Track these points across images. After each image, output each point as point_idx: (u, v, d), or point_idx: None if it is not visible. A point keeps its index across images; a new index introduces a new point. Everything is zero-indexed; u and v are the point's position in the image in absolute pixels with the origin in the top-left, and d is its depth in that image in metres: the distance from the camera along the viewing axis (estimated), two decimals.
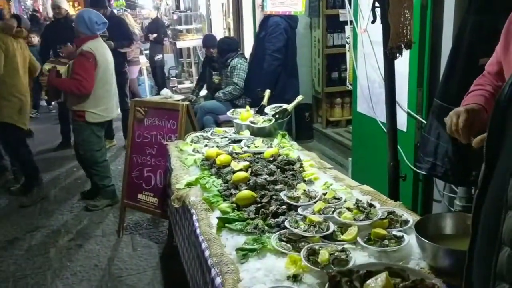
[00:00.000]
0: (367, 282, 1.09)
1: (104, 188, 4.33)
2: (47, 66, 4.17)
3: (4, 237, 3.86)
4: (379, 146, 3.06)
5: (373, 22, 2.24)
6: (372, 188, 2.10)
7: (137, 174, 3.68)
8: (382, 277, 1.08)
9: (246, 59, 5.28)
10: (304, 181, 2.19)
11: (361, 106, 3.49)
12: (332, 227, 1.68)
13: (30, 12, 12.28)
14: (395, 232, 1.63)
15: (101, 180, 4.30)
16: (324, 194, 1.99)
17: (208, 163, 2.49)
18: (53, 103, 8.21)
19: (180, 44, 9.89)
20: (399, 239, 1.57)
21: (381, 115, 3.01)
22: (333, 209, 1.82)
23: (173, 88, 9.06)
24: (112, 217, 4.14)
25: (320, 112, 5.94)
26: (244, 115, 3.04)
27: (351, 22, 3.37)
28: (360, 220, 1.69)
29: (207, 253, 1.67)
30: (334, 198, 1.94)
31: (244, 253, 1.58)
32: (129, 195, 3.72)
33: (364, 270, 1.14)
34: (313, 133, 5.98)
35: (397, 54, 2.16)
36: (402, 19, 2.08)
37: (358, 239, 1.60)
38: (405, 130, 2.93)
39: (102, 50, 4.12)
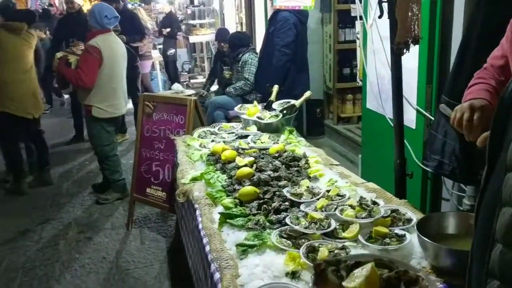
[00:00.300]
0: (353, 271, 1.09)
1: (115, 182, 4.37)
2: (59, 54, 4.23)
3: (16, 228, 3.93)
4: (388, 143, 3.01)
5: (380, 17, 2.20)
6: (380, 185, 2.07)
7: (145, 168, 3.70)
8: (367, 267, 1.08)
9: (257, 54, 5.25)
10: (309, 177, 2.17)
11: (370, 103, 3.45)
12: (334, 224, 1.67)
13: (45, 6, 12.40)
14: (397, 230, 1.61)
15: (112, 175, 4.34)
16: (328, 191, 1.97)
17: (214, 158, 2.49)
18: (65, 96, 8.29)
19: (193, 38, 9.91)
20: (401, 238, 1.55)
21: (390, 112, 2.96)
22: (335, 206, 1.80)
23: (185, 83, 9.08)
24: (122, 211, 4.18)
25: (331, 108, 5.90)
26: (252, 110, 3.03)
27: (360, 17, 3.32)
28: (362, 218, 1.67)
29: (207, 248, 1.67)
30: (338, 195, 1.92)
31: (244, 249, 1.58)
32: (138, 189, 3.74)
33: (352, 261, 1.13)
34: (324, 129, 5.94)
35: (404, 50, 2.12)
36: (409, 14, 2.04)
37: (359, 237, 1.59)
38: (413, 127, 2.89)
39: (113, 45, 4.13)
